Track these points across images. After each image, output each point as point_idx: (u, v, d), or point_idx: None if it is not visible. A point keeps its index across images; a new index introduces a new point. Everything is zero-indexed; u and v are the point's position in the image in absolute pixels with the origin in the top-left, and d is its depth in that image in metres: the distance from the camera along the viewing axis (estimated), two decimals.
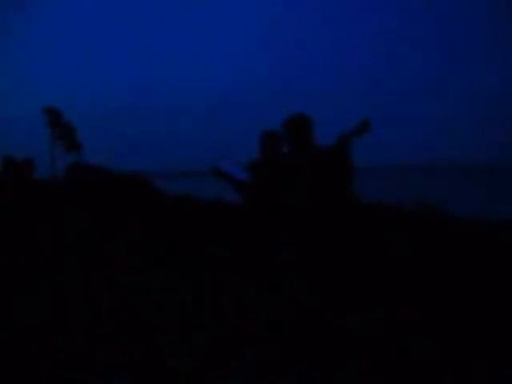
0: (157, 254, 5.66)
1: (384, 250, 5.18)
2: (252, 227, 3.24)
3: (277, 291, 3.09)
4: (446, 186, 34.97)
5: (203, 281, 4.57)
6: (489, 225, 6.83)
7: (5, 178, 5.07)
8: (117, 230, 7.14)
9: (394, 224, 6.67)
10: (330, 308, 2.98)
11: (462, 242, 5.67)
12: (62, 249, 5.56)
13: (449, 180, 50.64)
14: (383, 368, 2.71)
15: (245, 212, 3.36)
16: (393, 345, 2.98)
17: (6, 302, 3.94)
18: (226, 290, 4.20)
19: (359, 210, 3.29)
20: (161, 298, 4.06)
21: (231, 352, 2.96)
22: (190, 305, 3.88)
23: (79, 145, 51.56)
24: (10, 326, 3.42)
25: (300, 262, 3.03)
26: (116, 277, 4.75)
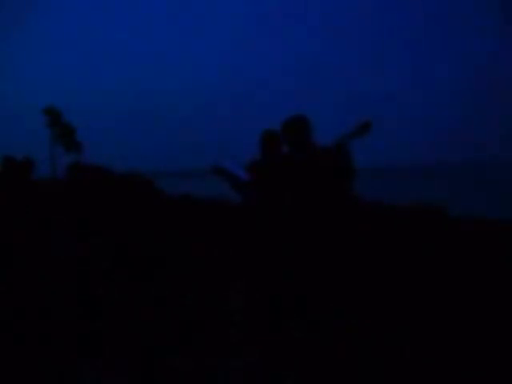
0: (158, 254, 5.67)
1: (384, 250, 5.18)
2: (252, 226, 3.24)
3: (277, 291, 3.09)
4: (446, 186, 35.03)
5: (203, 280, 4.57)
6: (489, 225, 6.83)
7: (5, 178, 5.07)
8: (117, 229, 7.14)
9: (393, 224, 6.67)
10: (329, 308, 2.98)
11: (462, 242, 5.67)
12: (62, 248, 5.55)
13: (449, 180, 50.69)
14: (383, 368, 2.71)
15: (245, 211, 3.36)
16: (392, 345, 2.98)
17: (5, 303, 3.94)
18: (225, 289, 4.21)
19: (359, 209, 3.29)
20: (161, 298, 4.06)
21: (231, 352, 2.96)
22: (190, 305, 3.88)
23: (79, 145, 51.58)
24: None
25: (300, 261, 3.03)
26: (116, 277, 4.75)
